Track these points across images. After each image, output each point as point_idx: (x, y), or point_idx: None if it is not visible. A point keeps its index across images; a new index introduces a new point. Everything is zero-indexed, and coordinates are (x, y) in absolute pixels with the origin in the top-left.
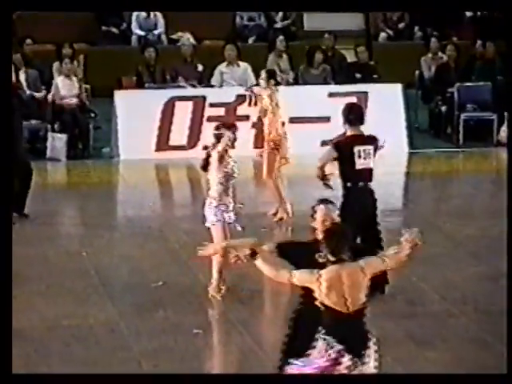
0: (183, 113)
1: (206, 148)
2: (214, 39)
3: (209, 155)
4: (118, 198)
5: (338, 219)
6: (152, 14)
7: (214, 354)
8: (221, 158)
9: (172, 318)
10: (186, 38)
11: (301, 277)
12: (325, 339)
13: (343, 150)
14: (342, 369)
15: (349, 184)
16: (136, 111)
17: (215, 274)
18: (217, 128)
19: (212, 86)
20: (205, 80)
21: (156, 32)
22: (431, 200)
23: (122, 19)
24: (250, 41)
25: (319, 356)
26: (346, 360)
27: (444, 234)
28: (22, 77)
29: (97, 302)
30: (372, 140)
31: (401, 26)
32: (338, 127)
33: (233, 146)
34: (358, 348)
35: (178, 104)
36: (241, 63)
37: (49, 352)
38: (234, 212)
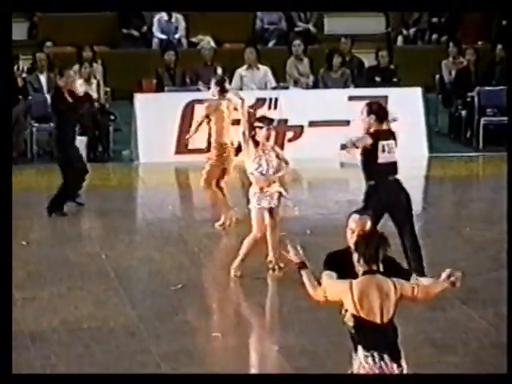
0: (203, 116)
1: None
2: (234, 42)
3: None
4: (137, 201)
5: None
6: (173, 17)
7: (232, 357)
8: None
9: (191, 321)
10: (207, 41)
11: (332, 291)
12: (367, 356)
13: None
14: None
15: (371, 182)
16: (156, 114)
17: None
18: (257, 120)
19: None
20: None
21: (177, 35)
22: (451, 204)
23: (143, 22)
24: (271, 44)
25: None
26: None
27: (464, 238)
28: (43, 80)
29: (117, 305)
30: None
31: (418, 27)
32: (357, 131)
33: (267, 140)
34: (396, 357)
35: (197, 107)
36: (261, 66)
37: (69, 354)
38: (275, 197)
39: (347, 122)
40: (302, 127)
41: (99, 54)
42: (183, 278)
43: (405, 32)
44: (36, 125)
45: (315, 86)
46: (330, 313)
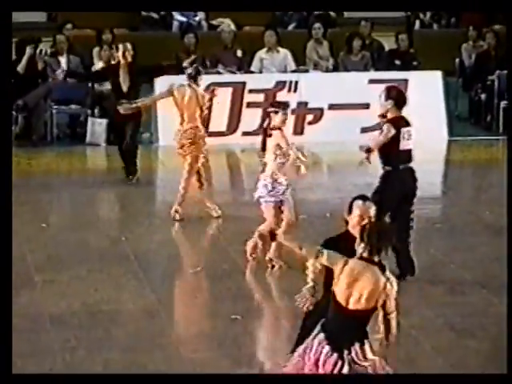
0: (223, 99)
1: (265, 130)
2: (254, 25)
3: (266, 134)
4: (157, 184)
5: (373, 217)
6: None
7: (252, 340)
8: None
9: (210, 303)
10: (227, 24)
11: (329, 256)
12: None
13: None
14: (327, 367)
15: (388, 167)
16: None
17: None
18: (271, 105)
19: (252, 72)
20: (244, 66)
21: (196, 18)
22: (471, 188)
23: None
24: (290, 27)
25: (305, 351)
26: (332, 358)
27: (483, 223)
28: (63, 62)
29: (136, 288)
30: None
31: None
32: (377, 114)
33: (284, 124)
34: (341, 346)
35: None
36: (281, 49)
37: (88, 337)
38: (287, 191)
39: (367, 106)
40: (321, 110)
41: (119, 36)
42: (202, 260)
43: (422, 15)
44: (56, 107)
45: (335, 69)
46: None
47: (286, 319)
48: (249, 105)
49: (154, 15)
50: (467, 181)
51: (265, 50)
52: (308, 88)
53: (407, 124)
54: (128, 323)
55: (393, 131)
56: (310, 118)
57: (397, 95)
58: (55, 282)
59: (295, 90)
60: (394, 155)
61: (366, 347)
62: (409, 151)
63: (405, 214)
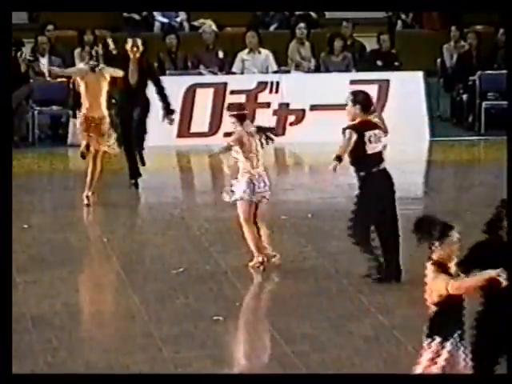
0: (204, 100)
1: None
2: (236, 26)
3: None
4: (139, 185)
5: None
6: None
7: (233, 341)
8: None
9: (193, 304)
10: (208, 25)
11: None
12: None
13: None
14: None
15: (362, 173)
16: (157, 98)
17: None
18: (238, 109)
19: (233, 73)
20: (226, 67)
21: (178, 19)
22: (452, 188)
23: None
24: (272, 28)
25: None
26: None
27: (465, 223)
28: (45, 63)
29: (118, 289)
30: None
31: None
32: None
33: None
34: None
35: (198, 91)
36: (262, 50)
37: (70, 338)
38: (262, 190)
39: None
40: (303, 111)
41: (100, 37)
42: (184, 261)
43: (403, 16)
44: (38, 108)
45: (317, 69)
46: (331, 297)
47: (267, 320)
48: None
49: (136, 16)
50: (449, 181)
51: (246, 51)
52: (289, 89)
53: (374, 127)
54: (110, 324)
55: (354, 136)
56: (291, 118)
57: (363, 99)
58: (37, 283)
59: (277, 91)
60: (363, 160)
61: (433, 343)
62: (379, 153)
63: (390, 218)
